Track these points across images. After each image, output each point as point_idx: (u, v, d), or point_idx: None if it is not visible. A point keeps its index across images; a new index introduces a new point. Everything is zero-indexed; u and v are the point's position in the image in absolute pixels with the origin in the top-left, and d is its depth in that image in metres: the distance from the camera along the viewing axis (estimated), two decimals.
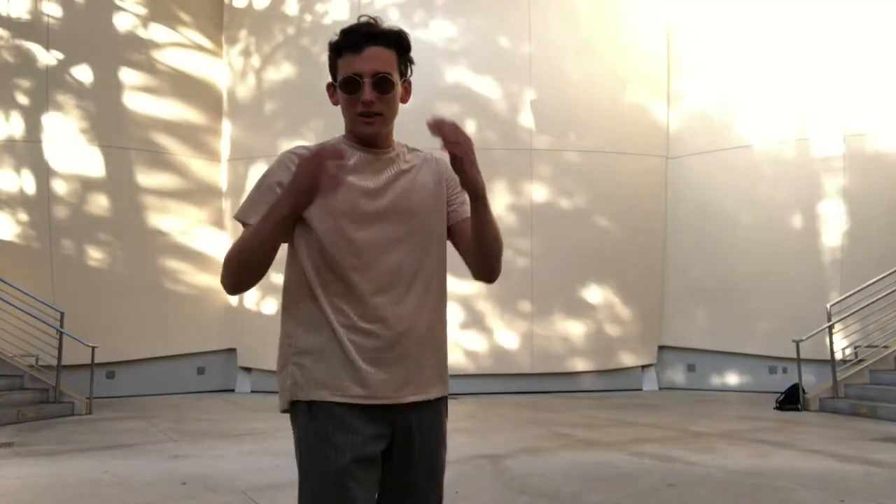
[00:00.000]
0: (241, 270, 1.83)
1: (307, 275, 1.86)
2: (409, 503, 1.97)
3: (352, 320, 1.84)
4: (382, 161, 1.92)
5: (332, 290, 1.85)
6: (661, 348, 12.00)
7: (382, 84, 1.83)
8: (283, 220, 1.79)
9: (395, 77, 1.87)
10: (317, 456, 1.82)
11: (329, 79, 1.95)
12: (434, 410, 1.98)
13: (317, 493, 1.81)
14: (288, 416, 1.95)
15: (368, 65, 1.82)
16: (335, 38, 1.89)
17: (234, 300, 12.13)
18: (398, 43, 1.88)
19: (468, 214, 1.92)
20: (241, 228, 1.88)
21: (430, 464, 2.00)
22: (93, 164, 11.30)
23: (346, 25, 1.91)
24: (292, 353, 1.89)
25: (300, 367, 1.87)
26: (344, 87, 1.85)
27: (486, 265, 1.99)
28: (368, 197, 1.87)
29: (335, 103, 1.93)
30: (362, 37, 1.84)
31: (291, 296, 1.92)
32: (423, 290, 1.92)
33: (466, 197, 1.89)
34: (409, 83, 1.94)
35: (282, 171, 1.86)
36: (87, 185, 11.27)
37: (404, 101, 1.94)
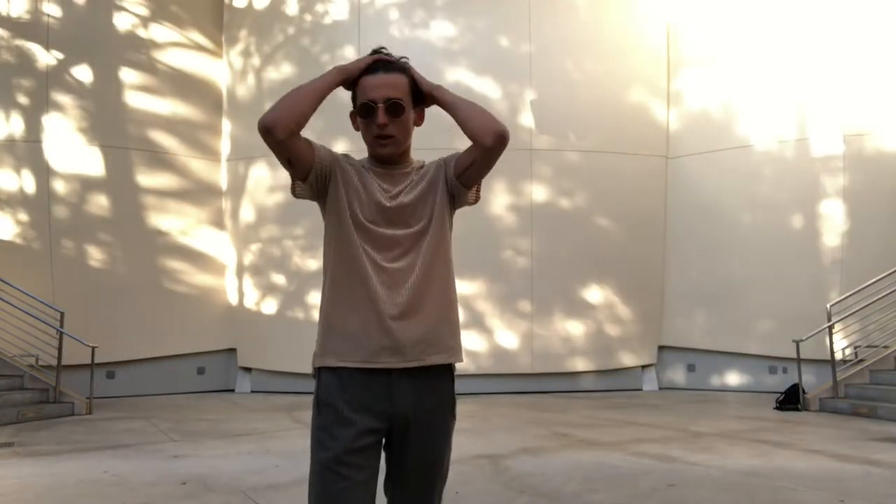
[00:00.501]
0: (290, 99, 2.01)
1: (328, 273, 2.12)
2: (406, 493, 2.11)
3: (350, 321, 2.04)
4: (398, 176, 2.13)
5: (344, 288, 2.07)
6: (661, 348, 12.00)
7: (394, 109, 2.05)
8: (332, 82, 2.06)
9: (407, 102, 2.08)
10: (320, 444, 2.04)
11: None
12: (437, 405, 2.10)
13: (319, 475, 2.03)
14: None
15: (382, 92, 2.05)
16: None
17: (234, 300, 12.15)
18: (405, 70, 2.11)
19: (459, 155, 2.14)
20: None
21: (429, 459, 2.09)
22: (93, 164, 11.31)
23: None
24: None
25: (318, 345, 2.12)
26: (360, 113, 2.08)
27: (476, 128, 2.06)
28: (382, 206, 2.08)
29: (357, 129, 2.14)
30: (378, 63, 2.08)
31: (322, 291, 2.14)
32: (425, 286, 2.08)
33: (458, 154, 2.14)
34: (423, 109, 2.16)
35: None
36: (87, 185, 11.27)
37: (418, 124, 2.15)
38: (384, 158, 2.12)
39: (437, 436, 2.10)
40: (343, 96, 2.21)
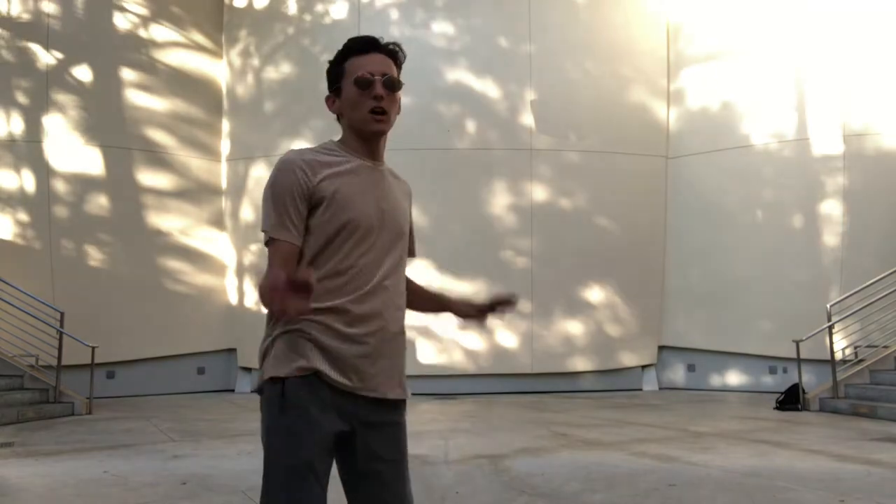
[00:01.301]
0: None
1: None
2: (379, 491, 2.05)
3: (334, 324, 1.97)
4: (378, 172, 2.09)
5: (322, 292, 1.96)
6: (661, 348, 12.00)
7: (391, 84, 2.04)
8: None
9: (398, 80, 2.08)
10: (288, 448, 1.93)
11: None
12: (394, 406, 2.08)
13: (289, 482, 1.92)
14: None
15: (378, 67, 2.04)
16: (340, 49, 2.10)
17: (234, 300, 12.15)
18: (395, 56, 2.10)
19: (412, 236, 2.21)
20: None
21: (396, 456, 2.08)
22: (93, 164, 11.30)
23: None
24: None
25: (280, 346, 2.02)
26: (357, 85, 2.02)
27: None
28: (379, 208, 2.04)
29: (335, 111, 2.10)
30: (369, 43, 2.07)
31: None
32: (399, 295, 2.10)
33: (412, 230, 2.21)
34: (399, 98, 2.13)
35: (286, 175, 1.96)
36: (87, 185, 11.27)
37: (397, 112, 2.12)
38: (373, 137, 2.05)
39: (400, 430, 2.10)
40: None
